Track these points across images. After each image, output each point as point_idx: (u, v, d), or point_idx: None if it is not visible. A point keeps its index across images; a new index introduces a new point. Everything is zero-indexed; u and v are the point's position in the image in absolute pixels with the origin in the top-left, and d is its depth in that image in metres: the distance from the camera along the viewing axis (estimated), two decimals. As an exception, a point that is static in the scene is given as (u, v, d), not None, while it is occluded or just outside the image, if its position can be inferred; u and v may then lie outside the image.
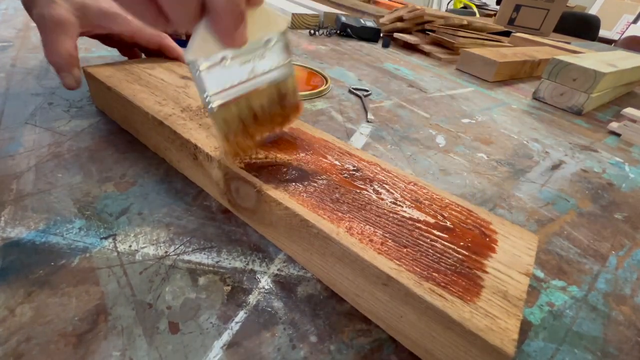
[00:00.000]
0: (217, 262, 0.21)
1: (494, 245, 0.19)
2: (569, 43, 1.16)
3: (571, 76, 0.58)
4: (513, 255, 0.18)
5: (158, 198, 0.25)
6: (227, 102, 0.20)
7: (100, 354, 0.15)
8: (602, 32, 2.44)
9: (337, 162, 0.24)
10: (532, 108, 0.59)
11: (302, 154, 0.24)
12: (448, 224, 0.20)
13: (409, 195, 0.22)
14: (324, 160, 0.24)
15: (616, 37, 3.07)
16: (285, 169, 0.22)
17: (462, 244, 0.19)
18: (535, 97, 0.63)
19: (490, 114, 0.52)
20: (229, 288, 0.19)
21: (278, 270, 0.21)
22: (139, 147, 0.30)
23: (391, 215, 0.20)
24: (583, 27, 1.95)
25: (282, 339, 0.17)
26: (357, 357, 0.17)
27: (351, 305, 0.19)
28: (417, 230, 0.19)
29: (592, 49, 1.07)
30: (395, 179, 0.23)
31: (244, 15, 0.16)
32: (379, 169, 0.24)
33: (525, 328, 0.20)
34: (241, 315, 0.18)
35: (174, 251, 0.21)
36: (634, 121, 0.51)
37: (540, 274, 0.24)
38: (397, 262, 0.17)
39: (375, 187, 0.22)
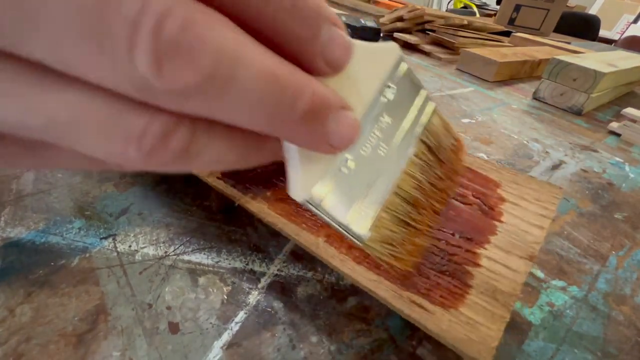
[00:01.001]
0: (217, 262, 0.21)
1: (495, 224, 0.17)
2: (569, 43, 1.16)
3: (571, 76, 0.58)
4: (517, 233, 0.17)
5: (158, 198, 0.25)
6: (376, 217, 0.14)
7: (100, 354, 0.15)
8: (602, 32, 2.44)
9: None
10: (532, 108, 0.59)
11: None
12: (439, 206, 0.17)
13: None
14: None
15: (616, 37, 3.07)
16: (267, 170, 0.21)
17: (453, 232, 0.17)
18: (535, 97, 0.63)
19: (491, 114, 0.52)
20: (229, 288, 0.19)
21: (278, 270, 0.21)
22: (139, 147, 0.30)
23: None
24: (583, 27, 1.95)
25: (282, 339, 0.17)
26: (357, 357, 0.17)
27: (354, 303, 0.19)
28: None
29: (592, 49, 1.07)
30: None
31: (331, 109, 0.09)
32: None
33: (525, 328, 0.20)
34: (241, 315, 0.18)
35: (173, 251, 0.21)
36: (634, 121, 0.51)
37: (540, 274, 0.24)
38: (377, 271, 0.16)
39: None
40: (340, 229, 0.13)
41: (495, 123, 0.49)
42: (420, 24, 0.89)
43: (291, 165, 0.11)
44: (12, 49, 0.06)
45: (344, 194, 0.12)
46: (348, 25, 0.85)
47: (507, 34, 1.10)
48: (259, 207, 0.20)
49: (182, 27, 0.06)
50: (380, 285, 0.16)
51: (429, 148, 0.16)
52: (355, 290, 0.20)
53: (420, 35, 0.88)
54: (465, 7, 2.53)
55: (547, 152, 0.43)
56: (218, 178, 0.21)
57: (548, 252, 0.26)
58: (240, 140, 0.09)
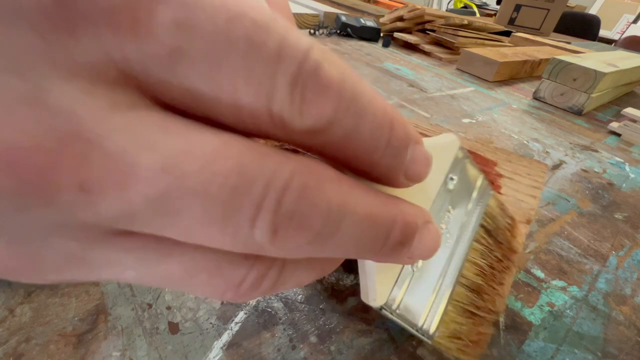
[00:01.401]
0: (217, 262, 0.21)
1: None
2: (569, 43, 1.16)
3: (571, 76, 0.58)
4: (515, 203, 0.19)
5: (158, 198, 0.25)
6: (443, 310, 0.14)
7: (100, 354, 0.15)
8: (602, 32, 2.44)
9: None
10: (532, 108, 0.59)
11: None
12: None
13: None
14: None
15: (616, 37, 3.07)
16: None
17: None
18: (536, 97, 0.63)
19: (491, 114, 0.52)
20: (229, 288, 0.19)
21: (278, 270, 0.21)
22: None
23: None
24: (583, 27, 1.95)
25: (282, 339, 0.17)
26: (357, 357, 0.17)
27: (356, 302, 0.19)
28: None
29: (592, 49, 1.07)
30: None
31: (415, 227, 0.09)
32: None
33: (526, 328, 0.20)
34: (241, 315, 0.18)
35: (174, 251, 0.21)
36: (634, 121, 0.51)
37: (540, 274, 0.24)
38: None
39: None
40: (414, 331, 0.13)
41: (496, 123, 0.49)
42: (420, 24, 0.89)
43: (367, 276, 0.11)
44: (146, 232, 0.07)
45: (416, 295, 0.13)
46: (348, 25, 0.85)
47: (507, 34, 1.10)
48: None
49: (298, 198, 0.06)
50: None
51: (488, 231, 0.16)
52: (355, 290, 0.20)
53: (420, 35, 0.88)
54: (465, 7, 2.53)
55: (547, 152, 0.43)
56: None
57: (548, 252, 0.26)
58: (320, 264, 0.09)
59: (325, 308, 0.19)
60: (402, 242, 0.08)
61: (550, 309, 0.22)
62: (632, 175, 0.41)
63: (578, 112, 0.59)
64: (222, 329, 0.17)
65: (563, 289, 0.23)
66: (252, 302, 0.19)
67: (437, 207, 0.13)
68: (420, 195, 0.12)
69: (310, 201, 0.07)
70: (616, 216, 0.32)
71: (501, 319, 0.20)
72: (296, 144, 0.07)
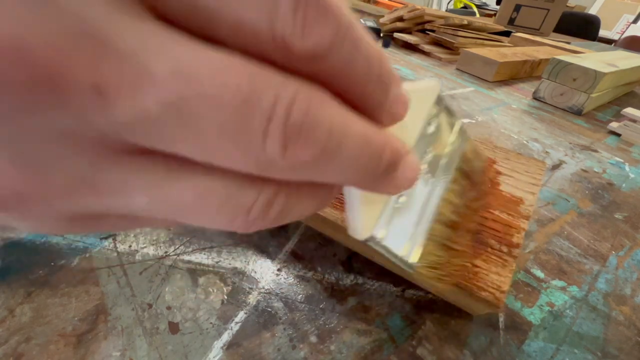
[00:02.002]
0: (217, 262, 0.21)
1: (494, 192, 0.20)
2: (569, 43, 1.16)
3: (571, 76, 0.58)
4: (513, 198, 0.20)
5: (158, 198, 0.25)
6: (423, 242, 0.15)
7: (100, 354, 0.15)
8: (602, 32, 2.44)
9: None
10: (532, 108, 0.59)
11: None
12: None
13: None
14: None
15: (616, 37, 3.07)
16: None
17: None
18: (535, 97, 0.63)
19: (491, 114, 0.52)
20: (229, 288, 0.19)
21: (278, 270, 0.21)
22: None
23: None
24: (583, 27, 1.95)
25: (282, 339, 0.17)
26: (357, 357, 0.17)
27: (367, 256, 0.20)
28: None
29: (592, 49, 1.07)
30: None
31: (398, 156, 0.09)
32: None
33: (525, 328, 0.20)
34: (241, 315, 0.18)
35: (174, 251, 0.21)
36: (634, 121, 0.51)
37: (540, 274, 0.24)
38: None
39: None
40: (397, 261, 0.14)
41: (496, 123, 0.49)
42: (420, 24, 0.89)
43: (353, 208, 0.11)
44: (159, 147, 0.07)
45: (399, 228, 0.13)
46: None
47: (507, 34, 1.10)
48: None
49: (304, 113, 0.07)
50: None
51: (464, 173, 0.17)
52: (355, 290, 0.20)
53: (420, 35, 0.88)
54: (465, 7, 2.53)
55: (547, 152, 0.43)
56: None
57: (548, 252, 0.26)
58: (321, 192, 0.10)
59: (325, 308, 0.19)
60: (391, 166, 0.09)
61: (550, 309, 0.22)
62: (632, 175, 0.41)
63: (578, 112, 0.59)
64: (222, 329, 0.17)
65: (563, 289, 0.23)
66: (252, 302, 0.19)
67: (419, 150, 0.14)
68: (405, 137, 0.12)
69: (316, 117, 0.07)
70: (616, 216, 0.32)
71: (501, 319, 0.20)
72: (294, 70, 0.07)
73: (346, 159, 0.08)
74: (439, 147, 0.15)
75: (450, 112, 0.15)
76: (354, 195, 0.11)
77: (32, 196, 0.07)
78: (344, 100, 0.08)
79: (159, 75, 0.06)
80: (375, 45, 0.08)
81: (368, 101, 0.08)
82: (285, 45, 0.07)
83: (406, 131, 0.12)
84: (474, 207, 0.19)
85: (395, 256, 0.14)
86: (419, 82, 0.13)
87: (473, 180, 0.18)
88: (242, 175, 0.08)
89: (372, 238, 0.12)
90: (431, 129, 0.14)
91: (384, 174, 0.09)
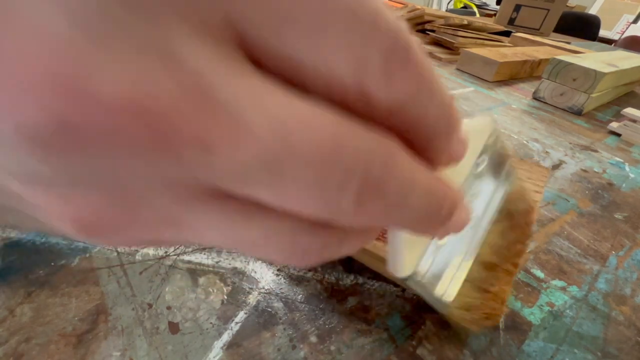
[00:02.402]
0: (217, 262, 0.21)
1: None
2: (569, 43, 1.16)
3: (571, 76, 0.58)
4: None
5: (158, 198, 0.25)
6: (458, 282, 0.15)
7: (100, 354, 0.15)
8: (602, 32, 2.44)
9: None
10: (532, 108, 0.59)
11: None
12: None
13: None
14: None
15: (616, 37, 3.07)
16: None
17: None
18: (535, 97, 0.63)
19: (491, 114, 0.52)
20: (229, 288, 0.19)
21: (278, 270, 0.21)
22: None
23: None
24: (583, 27, 1.95)
25: (282, 339, 0.17)
26: (357, 357, 0.17)
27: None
28: None
29: (592, 49, 1.07)
30: None
31: (455, 205, 0.09)
32: None
33: (525, 328, 0.20)
34: (241, 315, 0.18)
35: (174, 251, 0.21)
36: (634, 121, 0.51)
37: (540, 274, 0.24)
38: None
39: None
40: (431, 300, 0.14)
41: (496, 123, 0.49)
42: (420, 24, 0.89)
43: (396, 248, 0.11)
44: (243, 193, 0.07)
45: (438, 268, 0.13)
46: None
47: (507, 34, 1.10)
48: None
49: (381, 169, 0.07)
50: None
51: (507, 214, 0.16)
52: (355, 290, 0.20)
53: (420, 35, 0.88)
54: (465, 7, 2.53)
55: (547, 152, 0.43)
56: None
57: (548, 252, 0.26)
58: (368, 234, 0.10)
59: (325, 308, 0.19)
60: (448, 215, 0.09)
61: (550, 309, 0.22)
62: (631, 175, 0.41)
63: (578, 112, 0.59)
64: (222, 329, 0.17)
65: (563, 289, 0.23)
66: (252, 302, 0.19)
67: (466, 187, 0.13)
68: (453, 175, 0.12)
69: (391, 172, 0.07)
70: (616, 216, 0.32)
71: (501, 319, 0.20)
72: (371, 119, 0.07)
73: (410, 209, 0.08)
74: (486, 185, 0.14)
75: (501, 151, 0.15)
76: (398, 237, 0.11)
77: (117, 227, 0.07)
78: (411, 146, 0.08)
79: (260, 132, 0.06)
80: (446, 90, 0.08)
81: (433, 146, 0.09)
82: (369, 99, 0.07)
83: (457, 170, 0.12)
84: (514, 251, 0.18)
85: (431, 296, 0.13)
86: (474, 119, 0.12)
87: (515, 222, 0.17)
88: (308, 221, 0.08)
89: (411, 278, 0.12)
90: (481, 167, 0.14)
91: (440, 222, 0.09)
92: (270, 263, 0.08)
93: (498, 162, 0.15)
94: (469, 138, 0.10)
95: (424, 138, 0.08)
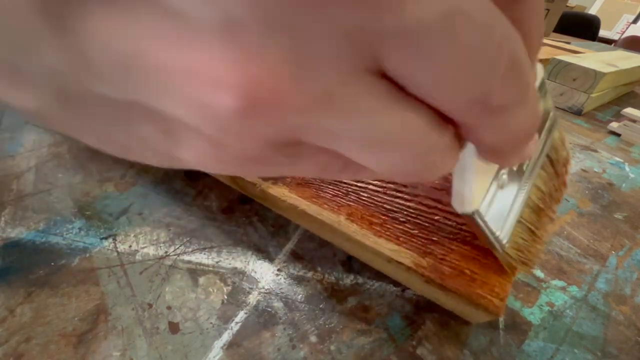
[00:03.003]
0: (217, 262, 0.21)
1: None
2: (569, 43, 1.16)
3: (571, 76, 0.58)
4: None
5: (158, 198, 0.25)
6: (514, 225, 0.15)
7: (100, 354, 0.16)
8: (602, 32, 2.44)
9: None
10: (532, 108, 0.59)
11: None
12: (448, 183, 0.21)
13: None
14: None
15: (616, 37, 3.07)
16: None
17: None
18: (535, 97, 0.63)
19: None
20: (229, 288, 0.19)
21: (278, 270, 0.21)
22: (139, 147, 0.30)
23: (390, 189, 0.21)
24: (583, 27, 1.95)
25: (282, 339, 0.17)
26: (357, 357, 0.17)
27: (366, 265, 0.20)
28: (415, 200, 0.20)
29: (592, 49, 1.07)
30: None
31: (534, 129, 0.10)
32: None
33: (525, 328, 0.20)
34: (241, 315, 0.18)
35: (174, 251, 0.21)
36: (634, 121, 0.51)
37: (540, 274, 0.24)
38: (397, 242, 0.18)
39: None
40: (491, 238, 0.14)
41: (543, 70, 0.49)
42: (420, 24, 0.89)
43: (464, 179, 0.12)
44: (401, 69, 0.07)
45: (498, 206, 0.14)
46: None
47: (507, 34, 1.10)
48: (280, 191, 0.20)
49: (521, 54, 0.07)
50: (401, 254, 0.17)
51: (552, 161, 0.18)
52: (355, 290, 0.20)
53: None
54: (465, 7, 2.52)
55: (547, 152, 0.43)
56: None
57: (548, 252, 0.26)
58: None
59: (325, 308, 0.19)
60: (531, 136, 0.10)
61: (550, 309, 0.22)
62: (631, 175, 0.41)
63: (578, 112, 0.59)
64: (222, 329, 0.17)
65: (563, 288, 0.23)
66: (252, 302, 0.19)
67: None
68: None
69: (522, 59, 0.08)
70: (616, 216, 0.32)
71: (501, 319, 0.20)
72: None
73: (522, 115, 0.08)
74: (540, 129, 0.15)
75: (548, 99, 0.15)
76: (469, 167, 0.11)
77: (280, 101, 0.07)
78: None
79: None
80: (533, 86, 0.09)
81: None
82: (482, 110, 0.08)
83: None
84: (555, 197, 0.19)
85: (493, 234, 0.14)
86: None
87: (556, 169, 0.18)
88: (440, 115, 0.08)
89: (478, 212, 0.12)
90: None
91: (528, 140, 0.10)
92: (388, 173, 0.08)
93: (546, 109, 0.15)
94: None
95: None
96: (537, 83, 0.14)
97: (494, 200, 0.13)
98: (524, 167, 0.15)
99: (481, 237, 0.15)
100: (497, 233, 0.14)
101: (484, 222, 0.13)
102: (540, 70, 0.14)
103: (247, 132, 0.08)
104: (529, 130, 0.09)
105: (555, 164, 0.18)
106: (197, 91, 0.07)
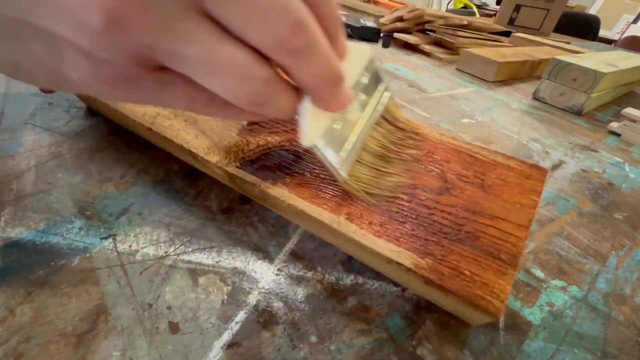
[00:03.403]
0: (217, 262, 0.21)
1: (494, 197, 0.20)
2: (569, 43, 1.16)
3: (571, 76, 0.58)
4: (513, 205, 0.20)
5: (158, 198, 0.25)
6: (352, 163, 0.19)
7: (100, 354, 0.16)
8: (602, 32, 2.44)
9: None
10: (532, 108, 0.59)
11: (291, 130, 0.24)
12: (447, 184, 0.21)
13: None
14: None
15: (616, 37, 3.07)
16: (279, 156, 0.22)
17: (460, 205, 0.20)
18: (535, 97, 0.63)
19: (490, 114, 0.52)
20: (229, 288, 0.19)
21: (278, 270, 0.21)
22: (139, 147, 0.30)
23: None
24: (583, 27, 1.95)
25: (282, 339, 0.17)
26: (357, 357, 0.17)
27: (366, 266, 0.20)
28: (415, 200, 0.20)
29: (592, 49, 1.07)
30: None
31: (342, 77, 0.14)
32: None
33: (525, 328, 0.20)
34: (241, 315, 0.18)
35: (174, 251, 0.21)
36: (634, 121, 0.51)
37: (540, 274, 0.24)
38: (397, 243, 0.18)
39: None
40: (332, 170, 0.18)
41: (495, 123, 0.49)
42: (420, 24, 0.89)
43: (305, 119, 0.15)
44: (220, 12, 0.10)
45: (336, 145, 0.17)
46: (348, 26, 0.85)
47: (507, 34, 1.10)
48: (280, 191, 0.20)
49: (308, 20, 0.11)
50: (401, 255, 0.17)
51: (388, 121, 0.23)
52: (355, 290, 0.20)
53: (420, 35, 0.88)
54: (465, 7, 2.53)
55: (547, 152, 0.43)
56: (237, 167, 0.21)
57: (548, 252, 0.26)
58: (292, 96, 0.14)
59: (325, 308, 0.19)
60: (336, 81, 0.13)
61: (550, 309, 0.22)
62: (631, 175, 0.41)
63: (578, 112, 0.59)
64: (222, 329, 0.17)
65: (563, 288, 0.23)
66: (252, 302, 0.19)
67: (354, 92, 0.18)
68: (347, 76, 0.16)
69: (312, 27, 0.11)
70: (616, 216, 0.32)
71: (501, 319, 0.20)
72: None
73: (319, 59, 0.12)
74: (369, 95, 0.20)
75: (379, 73, 0.20)
76: (307, 110, 0.15)
77: (132, 19, 0.09)
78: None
79: None
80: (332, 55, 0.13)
81: (332, 35, 0.13)
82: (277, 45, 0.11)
83: (348, 74, 0.16)
84: (404, 145, 0.24)
85: (331, 165, 0.17)
86: (357, 45, 0.17)
87: (397, 126, 0.23)
88: (258, 53, 0.11)
89: (316, 146, 0.16)
90: (364, 80, 0.19)
91: (334, 85, 0.13)
92: (225, 98, 0.12)
93: (377, 81, 0.20)
94: (352, 52, 0.15)
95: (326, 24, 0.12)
96: (365, 61, 0.18)
97: (331, 140, 0.17)
98: (357, 118, 0.19)
99: (325, 168, 0.19)
100: (337, 166, 0.18)
101: (323, 155, 0.16)
102: (368, 51, 0.18)
103: (113, 47, 0.10)
104: (325, 77, 0.13)
105: (393, 123, 0.23)
106: (73, 9, 0.09)
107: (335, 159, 0.17)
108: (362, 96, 0.19)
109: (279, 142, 0.23)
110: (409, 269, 0.17)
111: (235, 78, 0.11)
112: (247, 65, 0.11)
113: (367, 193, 0.20)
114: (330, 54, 0.12)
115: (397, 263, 0.17)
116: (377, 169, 0.21)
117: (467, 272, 0.17)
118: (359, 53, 0.18)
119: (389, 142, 0.22)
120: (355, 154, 0.19)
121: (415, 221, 0.19)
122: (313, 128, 0.15)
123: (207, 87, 0.12)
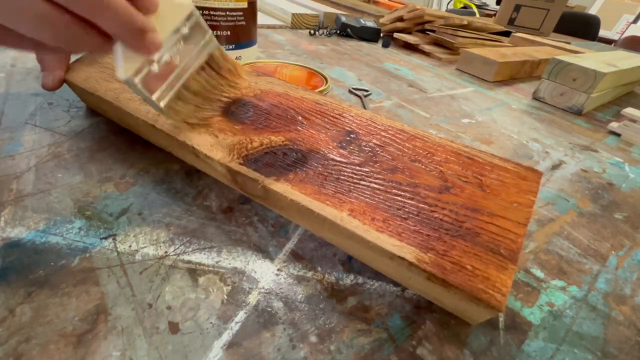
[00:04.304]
0: (217, 262, 0.21)
1: (493, 197, 0.20)
2: (569, 43, 1.16)
3: (571, 76, 0.58)
4: (511, 204, 0.20)
5: (158, 198, 0.25)
6: (172, 97, 0.22)
7: (100, 354, 0.15)
8: (602, 32, 2.44)
9: (331, 129, 0.25)
10: (532, 108, 0.59)
11: (295, 129, 0.25)
12: (447, 183, 0.21)
13: (408, 156, 0.23)
14: (319, 131, 0.25)
15: (616, 37, 3.07)
16: (282, 154, 0.23)
17: (460, 203, 0.20)
18: (535, 97, 0.63)
19: (490, 114, 0.52)
20: (229, 288, 0.19)
21: (278, 270, 0.21)
22: (139, 147, 0.30)
23: (391, 187, 0.21)
24: (583, 27, 1.95)
25: (282, 339, 0.17)
26: (357, 357, 0.17)
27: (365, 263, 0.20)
28: (416, 198, 0.20)
29: (592, 49, 1.07)
30: (393, 136, 0.25)
31: (146, 28, 0.18)
32: (373, 126, 0.25)
33: (525, 328, 0.20)
34: (241, 315, 0.18)
35: (174, 251, 0.21)
36: (634, 121, 0.51)
37: (540, 274, 0.24)
38: (399, 238, 0.18)
39: (372, 153, 0.23)
40: (150, 102, 0.21)
41: (495, 123, 0.49)
42: (420, 24, 0.89)
43: (118, 57, 0.18)
44: None
45: (151, 82, 0.20)
46: (348, 26, 0.85)
47: (507, 34, 1.10)
48: (283, 187, 0.20)
49: None
50: (404, 250, 0.18)
51: (211, 67, 0.26)
52: (355, 290, 0.20)
53: (420, 35, 0.88)
54: (465, 7, 2.53)
55: (547, 152, 0.43)
56: (240, 164, 0.22)
57: (548, 252, 0.26)
58: (96, 38, 0.17)
59: (325, 308, 0.19)
60: (141, 31, 0.18)
61: (550, 309, 0.22)
62: (631, 175, 0.41)
63: (578, 112, 0.59)
64: (222, 329, 0.17)
65: (563, 288, 0.23)
66: (252, 302, 0.19)
67: (173, 40, 0.21)
68: (160, 27, 0.19)
69: None
70: (616, 216, 0.32)
71: (501, 319, 0.20)
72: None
73: (113, 14, 0.16)
74: (190, 43, 0.23)
75: (202, 25, 0.23)
76: (119, 51, 0.18)
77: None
78: None
79: None
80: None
81: None
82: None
83: (160, 25, 0.19)
84: (222, 88, 0.27)
85: (149, 97, 0.20)
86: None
87: (221, 72, 0.27)
88: (57, 5, 0.15)
89: (128, 80, 0.19)
90: (184, 31, 0.22)
91: (137, 34, 0.17)
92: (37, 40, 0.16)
93: (199, 32, 0.23)
94: (168, 9, 0.20)
95: None
96: (183, 14, 0.21)
97: (149, 77, 0.20)
98: (177, 62, 0.22)
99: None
100: (154, 98, 0.21)
101: (140, 89, 0.19)
102: (187, 6, 0.21)
103: None
104: (125, 27, 0.17)
105: (218, 70, 0.26)
106: None
107: (153, 93, 0.21)
108: (182, 45, 0.22)
109: (282, 142, 0.23)
110: (411, 264, 0.17)
111: (37, 23, 0.15)
112: (47, 14, 0.15)
113: (185, 122, 0.24)
114: (126, 8, 0.16)
115: (400, 258, 0.17)
116: (195, 105, 0.25)
117: (469, 266, 0.17)
118: (177, 7, 0.21)
119: (208, 85, 0.26)
120: (174, 91, 0.22)
121: (417, 218, 0.19)
122: (126, 66, 0.18)
123: (20, 31, 0.15)
